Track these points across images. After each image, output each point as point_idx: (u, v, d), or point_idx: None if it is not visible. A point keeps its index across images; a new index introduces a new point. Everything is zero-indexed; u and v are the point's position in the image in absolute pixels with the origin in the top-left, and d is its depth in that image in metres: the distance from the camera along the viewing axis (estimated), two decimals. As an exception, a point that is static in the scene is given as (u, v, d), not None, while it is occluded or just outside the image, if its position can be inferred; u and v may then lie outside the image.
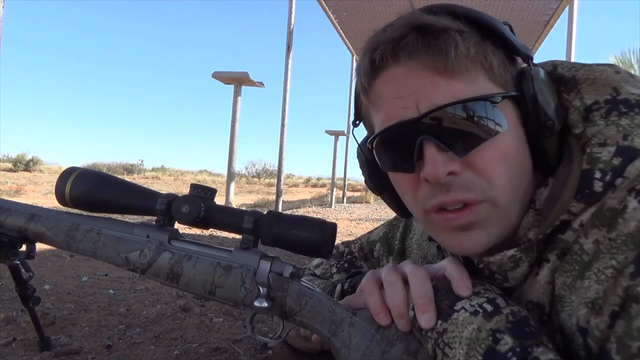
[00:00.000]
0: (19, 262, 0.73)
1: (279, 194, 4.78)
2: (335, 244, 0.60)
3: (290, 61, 4.85)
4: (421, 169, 0.50)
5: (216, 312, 1.22)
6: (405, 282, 0.53)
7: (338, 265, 0.88)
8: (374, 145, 0.56)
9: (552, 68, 0.56)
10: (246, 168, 22.28)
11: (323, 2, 6.49)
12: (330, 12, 6.78)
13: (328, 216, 4.83)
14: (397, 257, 0.83)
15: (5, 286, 1.30)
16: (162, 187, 10.47)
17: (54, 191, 0.64)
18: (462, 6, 0.52)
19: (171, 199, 0.58)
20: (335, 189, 7.22)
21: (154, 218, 0.60)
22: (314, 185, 18.74)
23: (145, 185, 0.65)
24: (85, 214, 0.65)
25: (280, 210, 4.41)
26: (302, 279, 0.57)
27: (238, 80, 4.33)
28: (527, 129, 0.52)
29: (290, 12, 4.88)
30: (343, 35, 7.55)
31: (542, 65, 0.57)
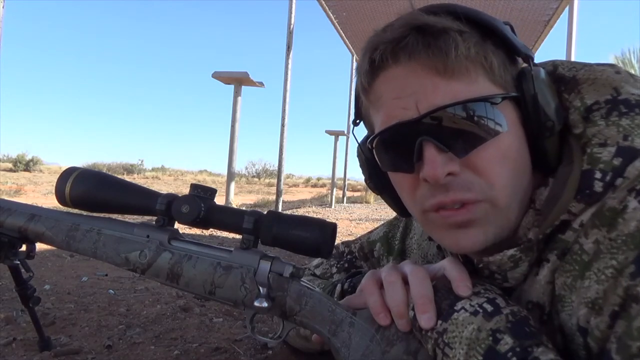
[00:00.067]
0: (19, 262, 0.73)
1: (279, 194, 4.78)
2: (335, 244, 0.60)
3: (290, 61, 4.85)
4: (420, 170, 0.50)
5: (216, 312, 1.22)
6: (406, 282, 0.53)
7: (338, 265, 0.88)
8: (373, 145, 0.56)
9: (553, 68, 0.56)
10: (246, 168, 22.30)
11: (323, 2, 6.49)
12: (330, 12, 6.78)
13: (328, 216, 4.83)
14: (397, 257, 0.83)
15: (5, 286, 1.30)
16: (162, 187, 10.47)
17: (54, 191, 0.64)
18: (463, 6, 0.52)
19: (171, 199, 0.58)
20: (335, 189, 7.22)
21: (154, 218, 0.60)
22: (314, 185, 18.74)
23: (145, 185, 0.65)
24: (85, 214, 0.65)
25: (280, 210, 4.41)
26: (302, 279, 0.57)
27: (238, 80, 4.33)
28: (527, 129, 0.52)
29: (290, 12, 4.88)
30: (343, 35, 7.55)
31: (543, 65, 0.57)
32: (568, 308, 0.47)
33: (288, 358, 0.91)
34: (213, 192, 0.59)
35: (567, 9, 5.44)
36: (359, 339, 0.52)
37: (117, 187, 0.62)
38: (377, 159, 0.57)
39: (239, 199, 7.17)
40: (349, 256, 0.91)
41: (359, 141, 0.65)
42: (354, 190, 12.65)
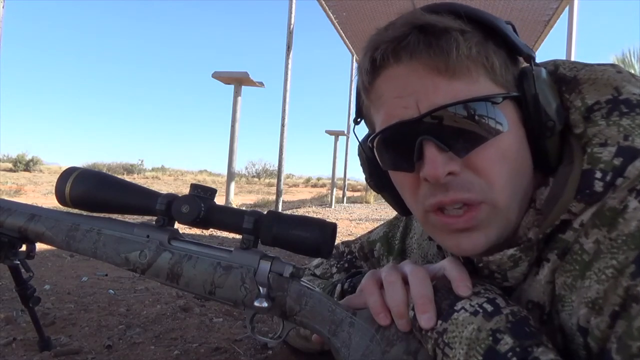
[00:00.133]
0: (19, 262, 0.73)
1: (279, 194, 4.78)
2: (335, 244, 0.60)
3: (290, 61, 4.85)
4: (421, 169, 0.50)
5: (216, 312, 1.22)
6: (406, 282, 0.53)
7: (338, 265, 0.88)
8: (374, 144, 0.56)
9: (554, 68, 0.56)
10: (246, 168, 22.31)
11: (323, 2, 6.49)
12: (330, 12, 6.78)
13: (328, 216, 4.83)
14: (398, 256, 0.83)
15: (5, 286, 1.30)
16: (162, 187, 10.47)
17: (54, 191, 0.64)
18: (464, 5, 0.52)
19: (171, 199, 0.58)
20: (335, 189, 7.22)
21: (154, 218, 0.60)
22: (314, 185, 18.74)
23: (145, 185, 0.65)
24: (85, 214, 0.65)
25: (280, 210, 4.41)
26: (302, 279, 0.57)
27: (238, 80, 4.33)
28: (528, 129, 0.52)
29: (290, 12, 4.89)
30: (343, 35, 7.55)
31: (544, 64, 0.57)
32: (568, 308, 0.47)
33: (288, 358, 0.91)
34: (213, 192, 0.59)
35: (567, 9, 5.44)
36: (359, 339, 0.52)
37: (117, 187, 0.62)
38: (377, 157, 0.57)
39: (239, 199, 7.17)
40: (349, 256, 0.91)
41: (360, 140, 0.65)
42: (354, 190, 12.65)
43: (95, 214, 0.64)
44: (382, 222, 0.96)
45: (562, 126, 0.51)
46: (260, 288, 0.54)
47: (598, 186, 0.47)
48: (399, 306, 0.51)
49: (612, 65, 0.54)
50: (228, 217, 0.58)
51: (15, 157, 16.17)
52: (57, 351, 0.89)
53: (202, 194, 0.58)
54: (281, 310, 0.55)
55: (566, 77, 0.54)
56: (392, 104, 0.51)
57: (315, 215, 4.02)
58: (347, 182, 8.58)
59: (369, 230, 0.97)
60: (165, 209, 0.58)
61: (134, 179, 14.50)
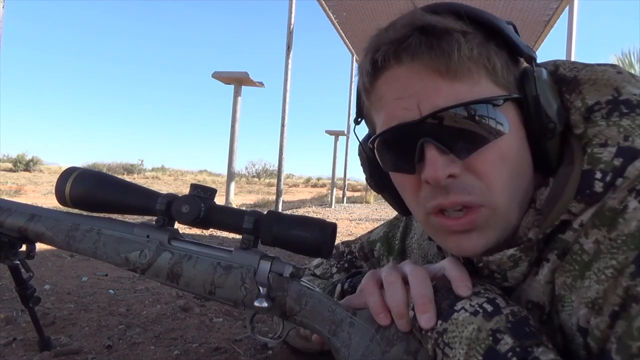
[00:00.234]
0: (19, 262, 0.73)
1: (279, 194, 4.78)
2: (335, 244, 0.60)
3: (290, 61, 4.85)
4: (422, 171, 0.50)
5: (216, 312, 1.22)
6: (406, 282, 0.53)
7: (338, 265, 0.88)
8: (375, 145, 0.55)
9: (554, 68, 0.56)
10: (246, 168, 22.30)
11: (323, 2, 6.49)
12: (330, 12, 6.78)
13: (328, 216, 4.83)
14: (398, 256, 0.83)
15: (5, 286, 1.30)
16: (162, 187, 10.47)
17: (54, 191, 0.64)
18: (465, 5, 0.52)
19: (171, 199, 0.58)
20: (335, 189, 7.22)
21: (154, 218, 0.60)
22: (314, 185, 18.74)
23: (145, 185, 0.65)
24: (85, 214, 0.65)
25: (280, 210, 4.41)
26: (302, 279, 0.57)
27: (238, 80, 4.33)
28: (529, 130, 0.52)
29: (290, 12, 4.88)
30: (343, 35, 7.55)
31: (544, 65, 0.57)
32: (568, 308, 0.47)
33: (288, 358, 0.91)
34: (213, 192, 0.59)
35: (567, 9, 5.44)
36: (359, 339, 0.52)
37: (117, 187, 0.62)
38: (378, 159, 0.57)
39: (239, 199, 7.17)
40: (349, 256, 0.91)
41: (360, 140, 0.65)
42: (354, 190, 12.65)
43: (95, 214, 0.64)
44: (382, 222, 0.96)
45: (562, 127, 0.51)
46: (260, 288, 0.54)
47: (598, 186, 0.47)
48: (399, 306, 0.51)
49: (613, 65, 0.54)
50: (228, 217, 0.58)
51: (15, 157, 16.18)
52: (57, 351, 0.89)
53: (202, 194, 0.58)
54: (281, 310, 0.55)
55: (566, 78, 0.54)
56: (393, 105, 0.51)
57: (315, 215, 4.02)
58: (347, 182, 8.58)
59: (369, 230, 0.97)
60: (165, 209, 0.58)
61: (134, 179, 14.50)
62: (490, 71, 0.50)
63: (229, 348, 0.97)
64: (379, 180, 0.64)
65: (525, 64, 0.54)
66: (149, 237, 0.59)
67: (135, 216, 0.85)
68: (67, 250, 0.63)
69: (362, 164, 0.66)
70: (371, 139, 0.56)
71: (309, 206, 6.55)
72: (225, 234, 2.73)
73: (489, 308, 0.46)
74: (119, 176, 0.69)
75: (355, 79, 0.60)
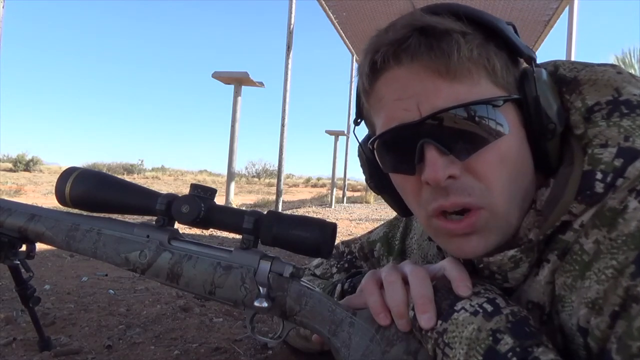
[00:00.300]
0: (19, 262, 0.73)
1: (279, 194, 4.78)
2: (335, 244, 0.60)
3: (290, 61, 4.85)
4: (422, 172, 0.50)
5: (216, 312, 1.22)
6: (406, 282, 0.53)
7: (338, 265, 0.88)
8: (375, 147, 0.55)
9: (554, 69, 0.56)
10: (246, 168, 22.30)
11: (323, 2, 6.49)
12: (330, 12, 6.78)
13: (328, 216, 4.83)
14: (398, 257, 0.83)
15: (5, 286, 1.30)
16: (162, 187, 10.47)
17: (54, 191, 0.64)
18: (465, 6, 0.52)
19: (171, 199, 0.58)
20: (335, 189, 7.22)
21: (154, 218, 0.60)
22: (314, 185, 18.74)
23: (145, 185, 0.65)
24: (85, 214, 0.65)
25: (280, 210, 4.41)
26: (302, 279, 0.57)
27: (238, 80, 4.32)
28: (529, 131, 0.51)
29: (290, 12, 4.88)
30: (343, 35, 7.55)
31: (544, 65, 0.57)
32: (568, 308, 0.47)
33: (288, 358, 0.91)
34: (213, 192, 0.59)
35: (567, 9, 5.44)
36: (359, 339, 0.52)
37: (117, 187, 0.62)
38: (378, 160, 0.57)
39: (239, 199, 7.17)
40: (349, 256, 0.91)
41: (360, 141, 0.65)
42: (354, 190, 12.65)
43: (95, 214, 0.64)
44: (382, 222, 0.96)
45: (562, 128, 0.51)
46: (260, 288, 0.54)
47: (599, 187, 0.47)
48: (399, 306, 0.51)
49: (613, 65, 0.54)
50: (228, 217, 0.58)
51: (15, 157, 16.18)
52: (57, 351, 0.89)
53: (202, 194, 0.58)
54: (281, 310, 0.55)
55: (566, 78, 0.54)
56: (392, 106, 0.51)
57: (315, 215, 4.02)
58: (347, 182, 8.58)
59: (369, 230, 0.97)
60: (165, 209, 0.58)
61: (134, 179, 14.50)
62: (490, 72, 0.50)
63: (229, 348, 0.97)
64: (379, 181, 0.64)
65: (525, 65, 0.54)
66: (149, 237, 0.59)
67: (135, 216, 0.85)
68: (67, 250, 0.63)
69: (362, 165, 0.66)
70: (371, 140, 0.56)
71: (309, 206, 6.55)
72: (225, 234, 2.73)
73: (489, 308, 0.46)
74: (119, 176, 0.69)
75: (355, 79, 0.60)
